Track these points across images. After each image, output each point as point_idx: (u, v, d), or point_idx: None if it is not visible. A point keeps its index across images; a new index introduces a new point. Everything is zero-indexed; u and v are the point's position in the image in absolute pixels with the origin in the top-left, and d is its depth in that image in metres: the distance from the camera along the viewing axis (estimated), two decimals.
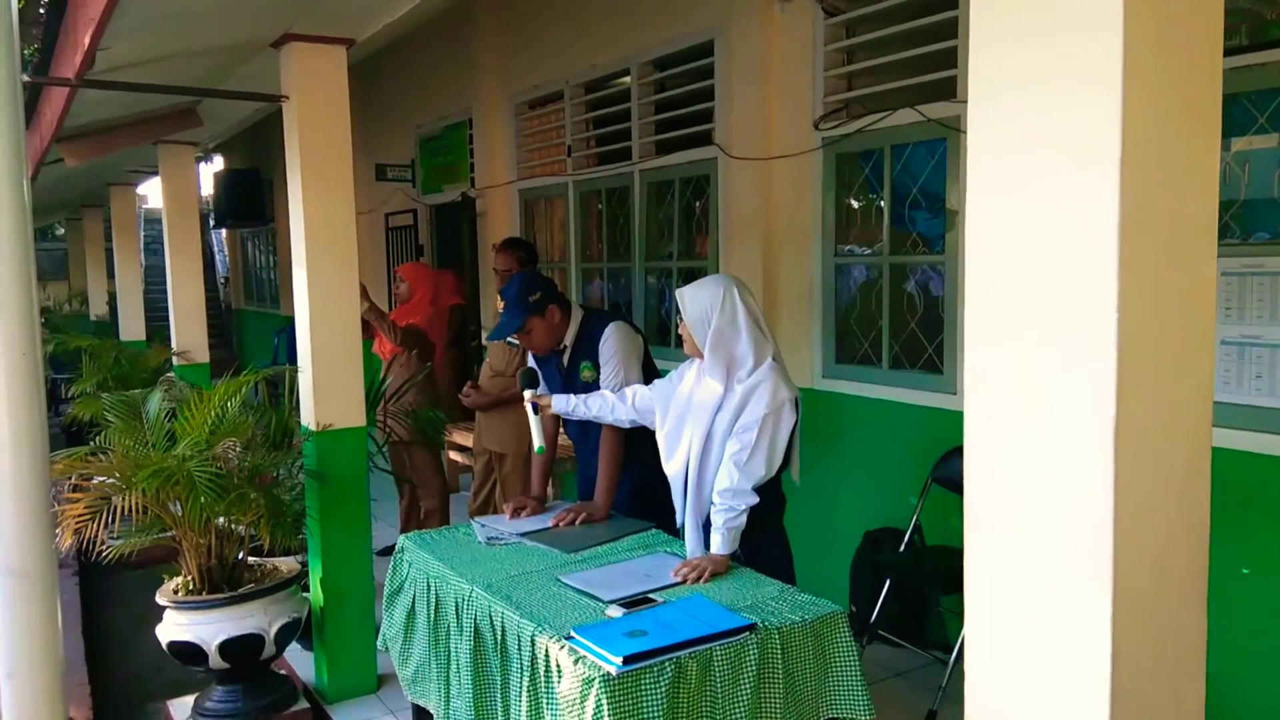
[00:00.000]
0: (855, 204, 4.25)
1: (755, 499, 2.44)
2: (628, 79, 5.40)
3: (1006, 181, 1.08)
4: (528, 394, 2.98)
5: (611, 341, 3.03)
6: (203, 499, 3.10)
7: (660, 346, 5.09)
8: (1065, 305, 1.01)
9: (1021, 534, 1.08)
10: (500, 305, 3.15)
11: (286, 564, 3.68)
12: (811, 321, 4.27)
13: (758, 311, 2.56)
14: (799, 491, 2.82)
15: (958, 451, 3.62)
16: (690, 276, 5.47)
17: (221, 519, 3.37)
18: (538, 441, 2.95)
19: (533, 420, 2.95)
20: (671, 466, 2.67)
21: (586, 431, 3.17)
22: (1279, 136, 2.71)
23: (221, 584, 3.41)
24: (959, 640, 3.36)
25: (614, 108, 5.61)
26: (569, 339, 3.11)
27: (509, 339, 4.12)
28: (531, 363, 3.26)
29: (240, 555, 3.52)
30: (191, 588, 3.41)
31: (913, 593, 3.71)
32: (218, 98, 4.05)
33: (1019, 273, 1.06)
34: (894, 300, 4.00)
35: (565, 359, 3.15)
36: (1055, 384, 1.03)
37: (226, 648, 3.29)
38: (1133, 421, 0.96)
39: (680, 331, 2.61)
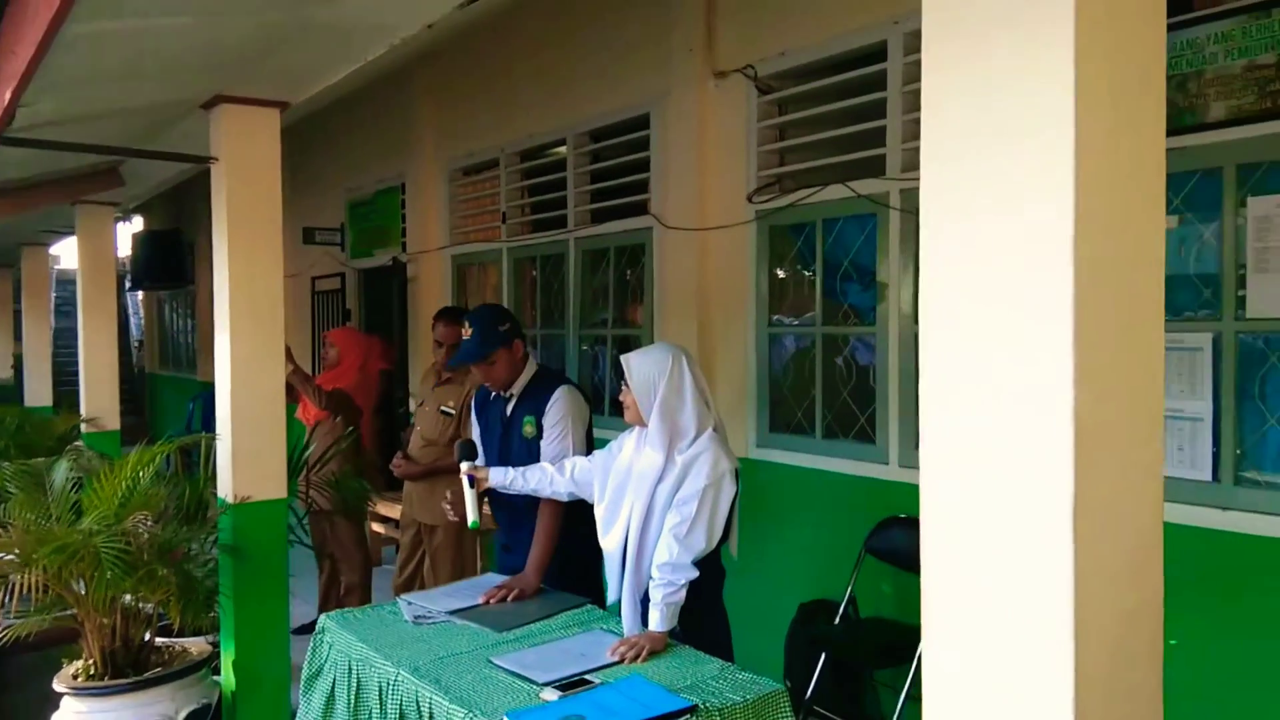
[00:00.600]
0: (788, 275, 4.30)
1: (695, 573, 2.39)
2: (564, 149, 5.44)
3: (958, 253, 1.08)
4: (465, 466, 2.91)
5: (561, 404, 2.97)
6: (109, 576, 2.92)
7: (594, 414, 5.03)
8: (1020, 376, 1.00)
9: (979, 611, 1.06)
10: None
11: (196, 645, 3.48)
12: (746, 390, 4.28)
13: (703, 383, 2.54)
14: (732, 561, 2.78)
15: (891, 522, 3.65)
16: (625, 344, 5.46)
17: (128, 597, 3.18)
18: (472, 516, 2.86)
19: (468, 494, 2.87)
20: (609, 541, 2.60)
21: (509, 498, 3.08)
22: (1192, 216, 2.83)
23: (126, 668, 3.21)
24: (895, 714, 3.32)
25: (550, 176, 5.64)
26: (518, 388, 3.05)
27: (446, 409, 4.03)
28: (475, 435, 3.19)
29: (147, 636, 3.32)
30: (93, 672, 3.20)
31: (848, 666, 3.67)
32: (144, 158, 3.94)
33: (974, 344, 1.05)
34: (827, 370, 4.03)
35: (509, 409, 3.07)
36: (1011, 456, 1.01)
37: None
38: (1091, 495, 0.95)
39: (622, 398, 2.57)
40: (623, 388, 2.57)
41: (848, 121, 3.88)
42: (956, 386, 1.07)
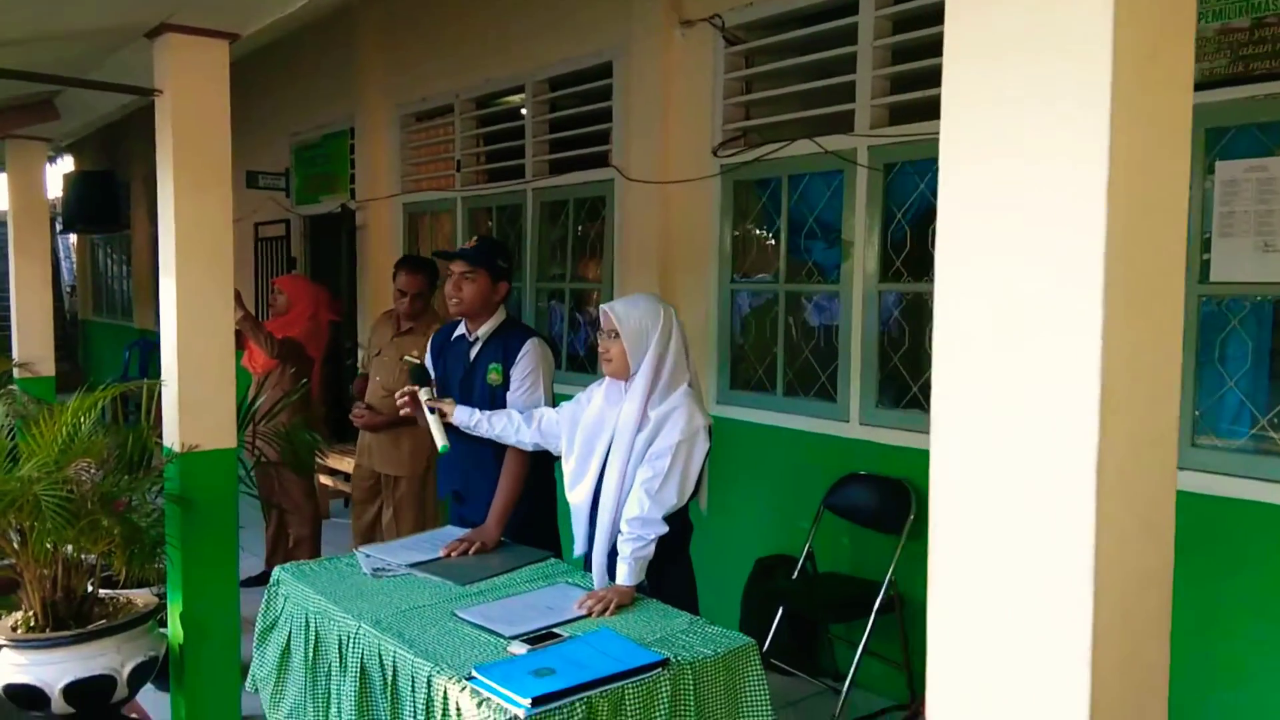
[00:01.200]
0: (753, 231, 4.27)
1: (665, 529, 2.37)
2: (522, 95, 5.30)
3: (981, 201, 1.04)
4: (424, 395, 2.82)
5: (531, 356, 2.91)
6: (50, 525, 2.80)
7: None
8: (1046, 337, 0.97)
9: (993, 577, 1.03)
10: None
11: (142, 597, 3.37)
12: (707, 347, 4.25)
13: (685, 339, 2.50)
14: (694, 516, 2.77)
15: (850, 479, 3.67)
16: (583, 299, 5.40)
17: (70, 547, 3.06)
18: (440, 440, 2.76)
19: (431, 419, 2.78)
20: (576, 495, 2.56)
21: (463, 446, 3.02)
22: None
23: (68, 620, 3.09)
24: (851, 668, 3.36)
25: (507, 124, 5.50)
26: (484, 331, 2.98)
27: (411, 358, 3.89)
28: (427, 360, 3.11)
29: (90, 587, 3.20)
30: (33, 624, 3.08)
31: (804, 621, 3.71)
32: (83, 88, 3.72)
33: (995, 301, 1.02)
34: (789, 327, 4.02)
35: (474, 352, 3.00)
36: (1033, 414, 0.99)
37: (72, 691, 2.97)
38: (1111, 458, 0.93)
39: (603, 349, 2.50)
40: (603, 337, 2.50)
41: (816, 76, 3.83)
42: (972, 344, 1.03)
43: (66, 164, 11.70)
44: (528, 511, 2.96)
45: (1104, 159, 0.90)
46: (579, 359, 5.13)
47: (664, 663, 1.99)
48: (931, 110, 3.52)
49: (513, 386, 2.90)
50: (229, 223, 3.31)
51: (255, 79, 7.61)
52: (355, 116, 6.59)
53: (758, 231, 4.28)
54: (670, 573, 2.49)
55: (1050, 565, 0.97)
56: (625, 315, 2.46)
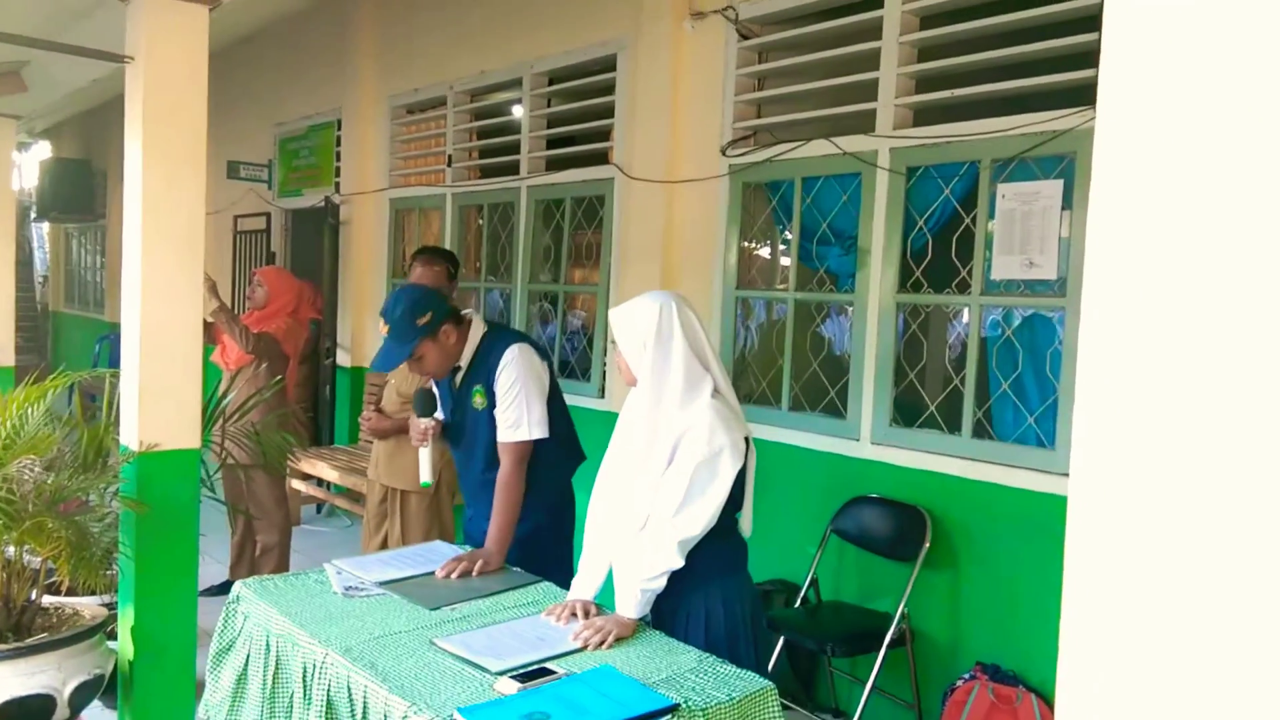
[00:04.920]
0: (761, 236, 4.05)
1: (680, 563, 2.10)
2: (519, 90, 5.07)
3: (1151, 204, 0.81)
4: (425, 422, 2.61)
5: (512, 366, 2.62)
6: None
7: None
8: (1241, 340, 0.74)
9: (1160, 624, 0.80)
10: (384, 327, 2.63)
11: (89, 608, 3.09)
12: None
13: (701, 336, 2.22)
14: None
15: (860, 501, 3.43)
16: (577, 303, 5.16)
17: (11, 550, 2.78)
18: (425, 475, 2.57)
19: (422, 451, 2.59)
20: (595, 515, 2.30)
21: (471, 456, 2.77)
22: None
23: (6, 632, 2.81)
24: (859, 706, 3.13)
25: (502, 118, 5.27)
26: (464, 358, 2.72)
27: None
28: (433, 386, 2.84)
29: (33, 595, 2.92)
30: None
31: (805, 652, 3.47)
32: (46, 49, 3.46)
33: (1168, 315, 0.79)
34: (797, 339, 3.79)
35: (458, 379, 2.74)
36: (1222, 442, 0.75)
37: (8, 711, 2.68)
38: None
39: (615, 358, 2.26)
40: (613, 344, 2.25)
41: (835, 73, 3.62)
42: (1132, 368, 0.80)
43: (44, 151, 11.38)
44: (537, 525, 2.72)
45: None
46: (570, 366, 4.88)
47: (673, 709, 1.75)
48: (958, 112, 3.35)
49: (498, 404, 2.65)
50: (201, 202, 3.05)
51: (239, 65, 7.36)
52: (343, 106, 6.35)
53: (766, 236, 4.06)
54: (724, 587, 2.23)
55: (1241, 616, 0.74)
56: (618, 323, 2.20)
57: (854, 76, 3.52)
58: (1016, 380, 3.18)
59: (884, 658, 3.11)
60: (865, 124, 3.49)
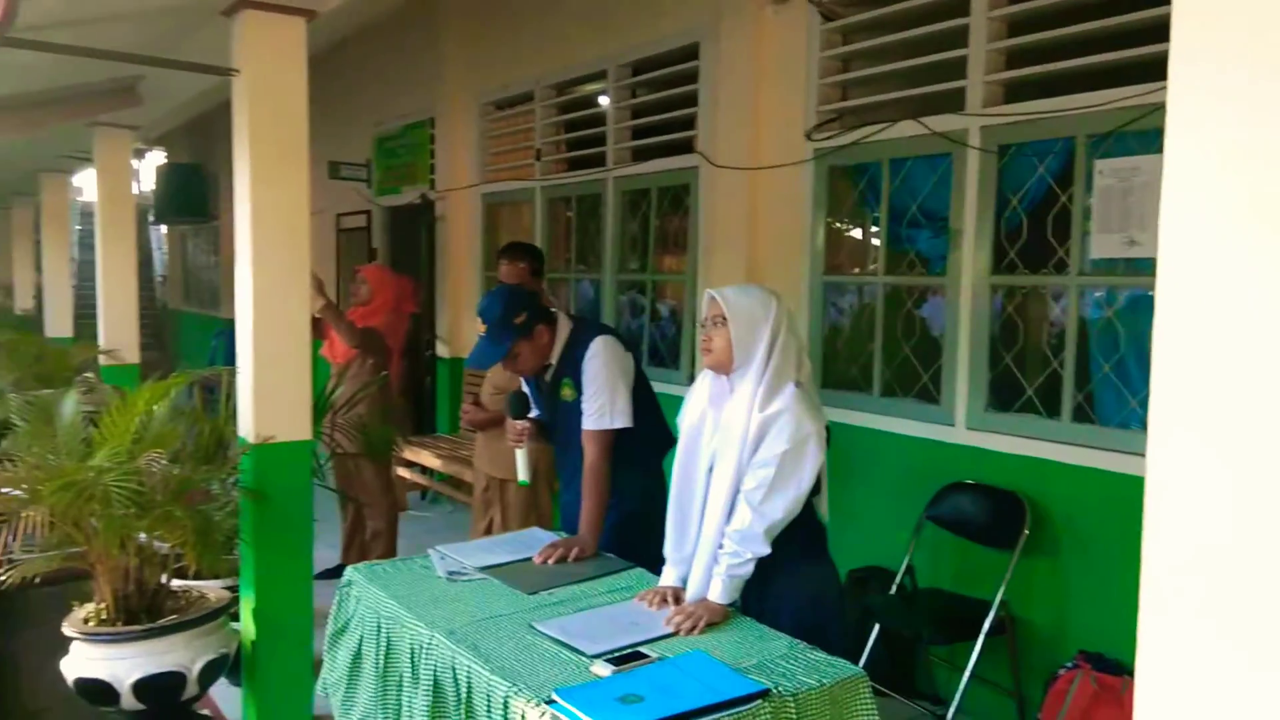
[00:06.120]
0: (849, 220, 4.01)
1: (766, 550, 2.13)
2: (604, 82, 5.12)
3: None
4: (520, 424, 2.72)
5: (597, 360, 2.69)
6: (120, 517, 2.72)
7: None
8: None
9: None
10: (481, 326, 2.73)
11: (215, 591, 3.29)
12: None
13: (800, 333, 2.29)
14: None
15: (956, 488, 3.39)
16: (664, 291, 5.20)
17: (143, 537, 2.98)
18: (523, 474, 2.67)
19: (518, 451, 2.69)
20: (677, 501, 2.35)
21: (568, 448, 2.85)
22: None
23: (140, 613, 3.02)
24: (958, 693, 3.10)
25: (588, 111, 5.33)
26: (554, 355, 2.80)
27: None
28: (523, 386, 2.94)
29: (163, 579, 3.13)
30: (105, 617, 3.01)
31: (901, 639, 3.45)
32: (158, 66, 3.66)
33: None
34: (888, 323, 3.75)
35: (549, 374, 2.83)
36: None
37: (142, 687, 2.89)
38: None
39: (704, 339, 2.29)
40: (706, 326, 2.28)
41: (922, 51, 3.56)
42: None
43: (159, 158, 11.98)
44: (629, 512, 2.78)
45: None
46: (659, 353, 4.93)
47: (764, 693, 1.78)
48: (1051, 87, 3.25)
49: (585, 394, 2.72)
50: (306, 206, 3.20)
51: (337, 70, 7.62)
52: (435, 106, 6.52)
53: (854, 220, 4.02)
54: (810, 573, 2.26)
55: None
56: (736, 302, 2.23)
57: (941, 54, 3.45)
58: (1119, 362, 3.08)
59: (983, 645, 3.07)
60: (954, 102, 3.43)
